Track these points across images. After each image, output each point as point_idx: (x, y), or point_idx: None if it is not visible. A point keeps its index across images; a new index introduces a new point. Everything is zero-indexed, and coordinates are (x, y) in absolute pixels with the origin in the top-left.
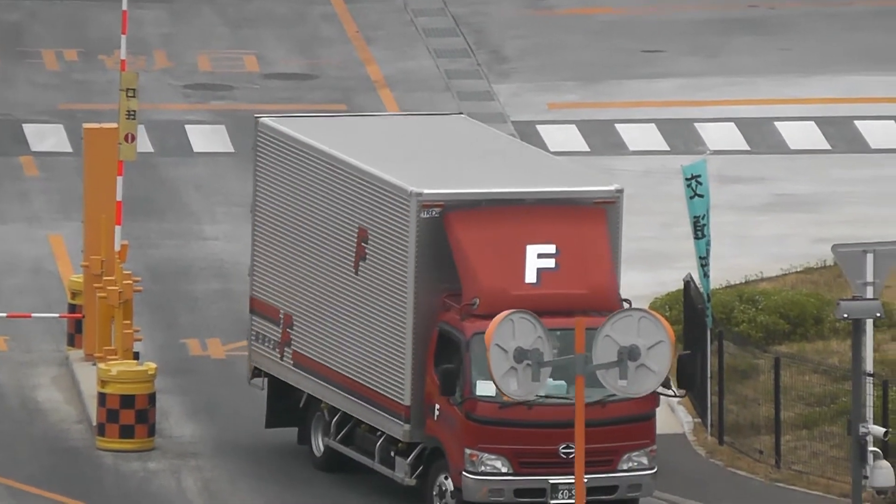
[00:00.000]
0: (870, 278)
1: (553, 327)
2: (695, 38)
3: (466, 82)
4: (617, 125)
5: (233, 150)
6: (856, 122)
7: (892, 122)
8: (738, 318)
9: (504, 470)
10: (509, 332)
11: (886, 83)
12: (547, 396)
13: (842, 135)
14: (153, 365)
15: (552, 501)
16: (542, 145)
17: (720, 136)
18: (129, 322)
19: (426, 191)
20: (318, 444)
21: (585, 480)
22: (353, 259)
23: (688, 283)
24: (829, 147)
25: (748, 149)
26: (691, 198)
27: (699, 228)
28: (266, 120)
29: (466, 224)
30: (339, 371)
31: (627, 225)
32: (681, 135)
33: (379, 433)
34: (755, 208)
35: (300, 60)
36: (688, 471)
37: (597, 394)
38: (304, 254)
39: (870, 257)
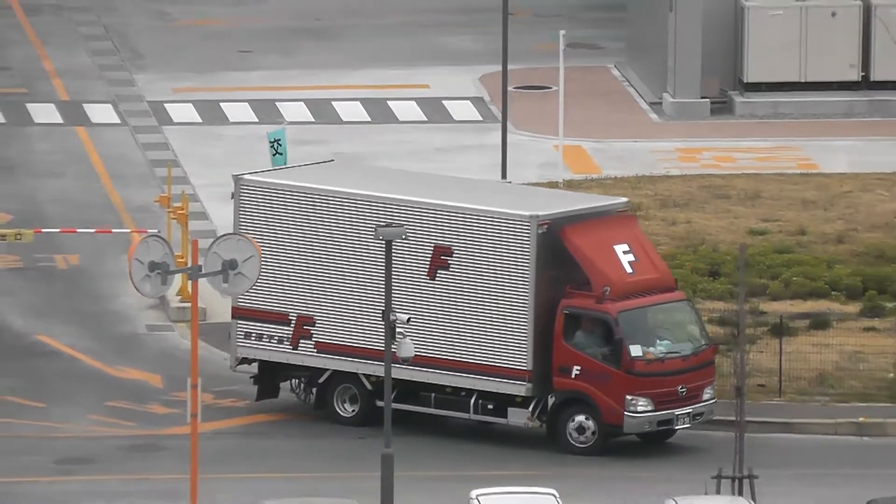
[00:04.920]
0: None
1: (652, 303)
2: (277, 42)
3: (114, 73)
4: (221, 104)
5: None
6: (388, 101)
7: (413, 102)
8: None
9: (650, 408)
10: (145, 250)
11: (406, 75)
12: (668, 353)
13: (378, 111)
14: None
15: (676, 427)
16: (168, 119)
17: (294, 111)
18: None
19: (541, 213)
20: (344, 407)
21: (689, 410)
22: (427, 269)
23: None
24: (370, 119)
25: (314, 120)
26: (274, 155)
27: None
28: (249, 176)
29: (579, 234)
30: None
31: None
32: (266, 110)
33: (464, 393)
34: None
35: None
36: None
37: (691, 347)
38: (336, 269)
39: None
